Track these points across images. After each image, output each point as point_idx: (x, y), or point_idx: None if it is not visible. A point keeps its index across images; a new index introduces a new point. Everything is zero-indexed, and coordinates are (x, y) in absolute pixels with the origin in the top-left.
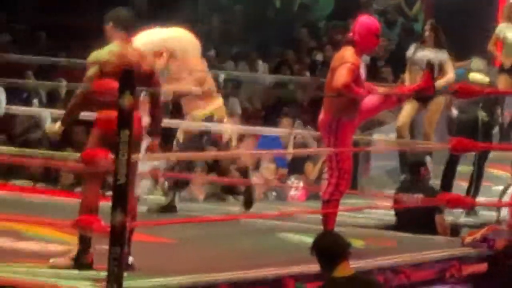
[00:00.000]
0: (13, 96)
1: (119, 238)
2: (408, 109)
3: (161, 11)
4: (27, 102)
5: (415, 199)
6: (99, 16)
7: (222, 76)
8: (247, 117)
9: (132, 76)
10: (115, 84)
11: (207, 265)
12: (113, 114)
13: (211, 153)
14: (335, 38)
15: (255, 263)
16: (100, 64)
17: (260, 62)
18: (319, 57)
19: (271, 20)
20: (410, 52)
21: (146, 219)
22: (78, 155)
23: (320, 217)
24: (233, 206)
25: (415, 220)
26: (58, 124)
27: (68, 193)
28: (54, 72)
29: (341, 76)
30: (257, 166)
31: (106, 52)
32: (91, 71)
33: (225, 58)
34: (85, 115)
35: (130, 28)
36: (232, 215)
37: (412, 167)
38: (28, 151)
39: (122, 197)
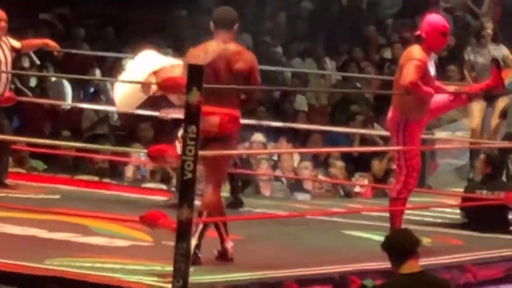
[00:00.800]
0: (81, 91)
1: (185, 234)
2: (477, 108)
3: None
4: (95, 98)
5: (486, 196)
6: (163, 11)
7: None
8: (314, 115)
9: (201, 73)
10: (182, 80)
11: (274, 261)
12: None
13: (276, 150)
14: (404, 36)
15: (321, 260)
16: (190, 61)
17: (327, 59)
18: (387, 54)
19: (338, 17)
20: (468, 55)
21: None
22: (144, 150)
23: (386, 214)
24: (300, 203)
25: (486, 218)
26: None
27: (134, 188)
28: (122, 67)
29: (408, 74)
30: (325, 163)
31: (194, 50)
32: (182, 70)
33: (292, 55)
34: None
35: (228, 26)
36: (299, 212)
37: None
38: (94, 146)
39: (189, 193)
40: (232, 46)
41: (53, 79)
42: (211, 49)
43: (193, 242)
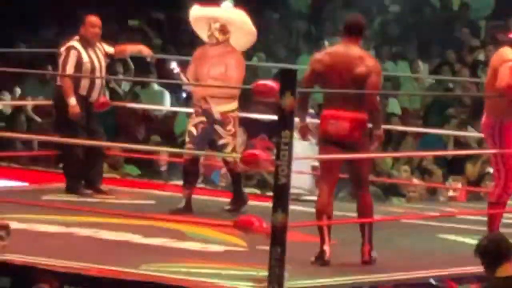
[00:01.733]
0: (174, 96)
1: (280, 238)
2: None
3: (322, 14)
4: (187, 103)
5: None
6: (255, 15)
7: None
8: (407, 118)
9: (294, 77)
10: (274, 85)
11: (369, 265)
12: (324, 113)
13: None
14: (497, 38)
15: (417, 264)
16: (313, 64)
17: (420, 62)
18: (481, 56)
19: (430, 20)
20: None
21: (307, 219)
22: (237, 155)
23: (481, 218)
24: (395, 208)
25: None
26: None
27: (228, 193)
28: None
29: (503, 76)
30: (420, 166)
31: (321, 53)
32: (306, 72)
33: (384, 58)
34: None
35: (356, 33)
36: (393, 216)
37: None
38: (187, 151)
39: (283, 198)
40: (356, 51)
41: (155, 85)
42: (335, 53)
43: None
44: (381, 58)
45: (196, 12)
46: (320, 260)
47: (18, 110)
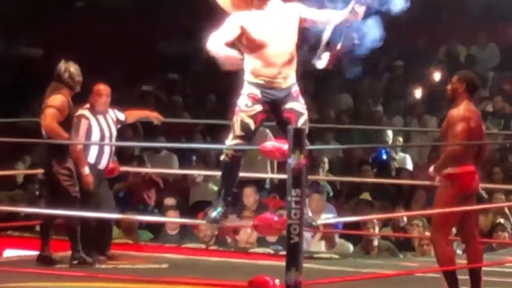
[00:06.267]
0: (184, 159)
1: None
2: None
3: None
4: (196, 165)
5: None
6: None
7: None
8: (418, 172)
9: (303, 135)
10: (281, 145)
11: None
12: (466, 169)
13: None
14: (504, 88)
15: None
16: (466, 121)
17: (428, 116)
18: (489, 107)
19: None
20: None
21: (321, 277)
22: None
23: (494, 269)
24: (409, 262)
25: None
26: None
27: (241, 254)
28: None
29: None
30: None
31: (460, 110)
32: (460, 127)
33: (393, 113)
34: None
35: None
36: (408, 270)
37: None
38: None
39: (296, 256)
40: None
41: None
42: (472, 110)
43: None
44: (391, 113)
45: None
46: None
47: (29, 179)
